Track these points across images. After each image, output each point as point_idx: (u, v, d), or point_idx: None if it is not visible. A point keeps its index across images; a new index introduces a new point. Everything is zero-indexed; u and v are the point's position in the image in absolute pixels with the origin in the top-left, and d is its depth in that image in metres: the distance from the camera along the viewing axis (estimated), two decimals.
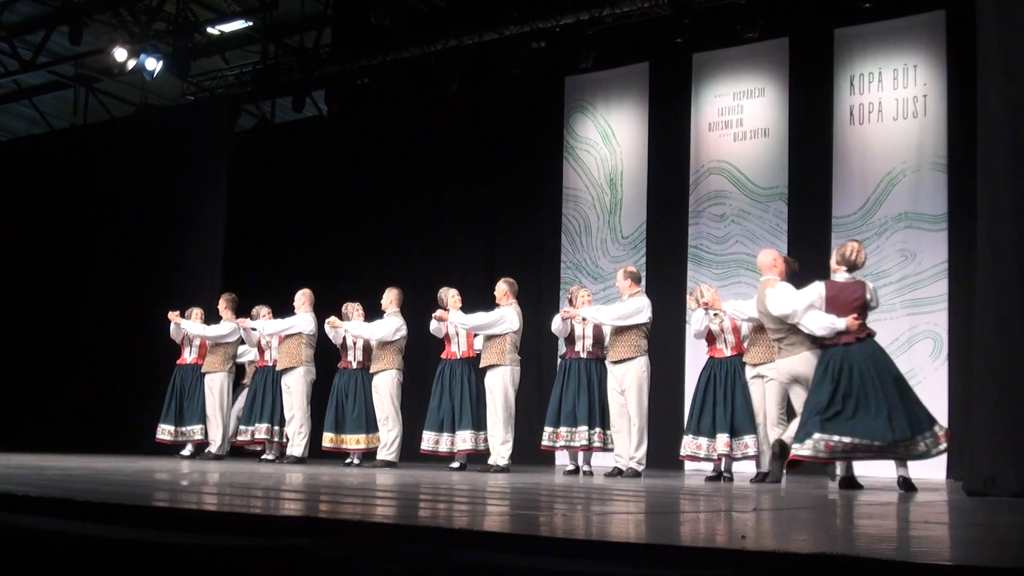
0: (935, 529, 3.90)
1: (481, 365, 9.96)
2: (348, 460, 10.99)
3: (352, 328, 10.89)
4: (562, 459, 11.00)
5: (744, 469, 9.33)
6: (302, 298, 11.43)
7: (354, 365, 11.08)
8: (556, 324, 9.97)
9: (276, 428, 11.52)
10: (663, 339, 10.81)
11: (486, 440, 10.00)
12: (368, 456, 10.88)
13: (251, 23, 15.47)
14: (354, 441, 10.93)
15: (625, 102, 13.10)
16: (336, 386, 11.11)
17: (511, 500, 4.84)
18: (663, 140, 12.76)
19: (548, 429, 9.87)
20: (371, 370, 10.80)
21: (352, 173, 15.01)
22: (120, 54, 14.08)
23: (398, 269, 14.43)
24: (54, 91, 18.09)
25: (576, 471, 9.85)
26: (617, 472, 9.26)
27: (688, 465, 10.32)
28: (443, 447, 10.23)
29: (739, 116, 12.25)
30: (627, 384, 9.28)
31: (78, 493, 4.09)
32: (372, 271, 14.65)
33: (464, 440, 10.11)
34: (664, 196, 12.65)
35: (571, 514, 4.08)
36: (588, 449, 9.77)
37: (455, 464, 10.16)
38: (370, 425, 10.84)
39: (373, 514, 3.64)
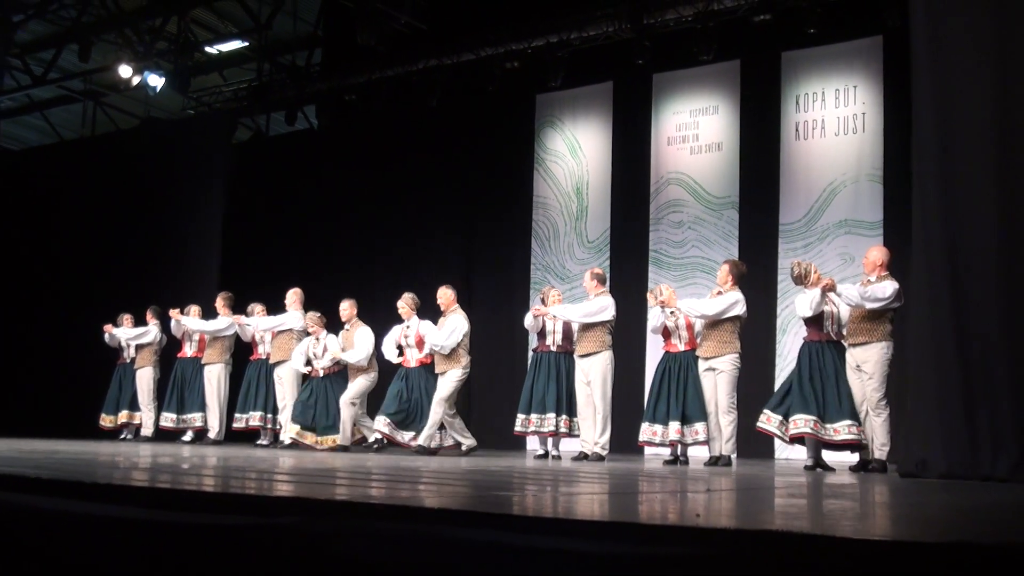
0: (873, 507, 3.93)
1: (436, 370, 9.98)
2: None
3: (330, 351, 10.82)
4: (532, 444, 11.01)
5: (699, 453, 9.36)
6: (293, 296, 11.41)
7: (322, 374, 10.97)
8: (528, 320, 9.98)
9: (269, 416, 11.49)
10: (626, 335, 10.82)
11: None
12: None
13: (247, 43, 15.44)
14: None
15: (591, 118, 13.12)
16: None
17: (485, 481, 4.84)
18: (626, 153, 12.79)
19: (520, 416, 9.86)
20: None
21: (340, 182, 14.97)
22: (125, 71, 14.03)
23: (380, 269, 14.44)
24: (64, 105, 18.00)
25: (545, 455, 9.85)
26: (583, 456, 9.27)
27: (647, 450, 10.34)
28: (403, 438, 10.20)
29: (695, 131, 12.28)
30: (592, 376, 9.30)
31: (85, 475, 4.07)
32: (357, 271, 14.64)
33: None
34: (626, 204, 12.68)
35: (540, 494, 4.08)
36: (556, 435, 9.77)
37: (376, 445, 10.28)
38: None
39: (359, 495, 3.63)
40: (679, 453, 9.04)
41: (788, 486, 5.42)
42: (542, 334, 9.92)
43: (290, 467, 5.97)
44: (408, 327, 10.42)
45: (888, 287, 7.85)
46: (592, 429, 9.30)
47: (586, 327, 9.42)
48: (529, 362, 10.39)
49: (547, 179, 13.40)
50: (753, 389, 10.38)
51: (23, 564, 3.23)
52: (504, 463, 7.75)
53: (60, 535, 3.20)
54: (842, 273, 10.54)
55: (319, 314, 11.04)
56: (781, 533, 2.38)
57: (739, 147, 11.96)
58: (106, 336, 12.93)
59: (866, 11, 10.90)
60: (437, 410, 9.80)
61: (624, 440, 10.25)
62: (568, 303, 10.38)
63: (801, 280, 8.39)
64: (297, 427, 10.76)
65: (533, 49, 12.64)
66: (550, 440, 9.92)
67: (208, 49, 15.56)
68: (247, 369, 11.83)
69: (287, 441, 10.81)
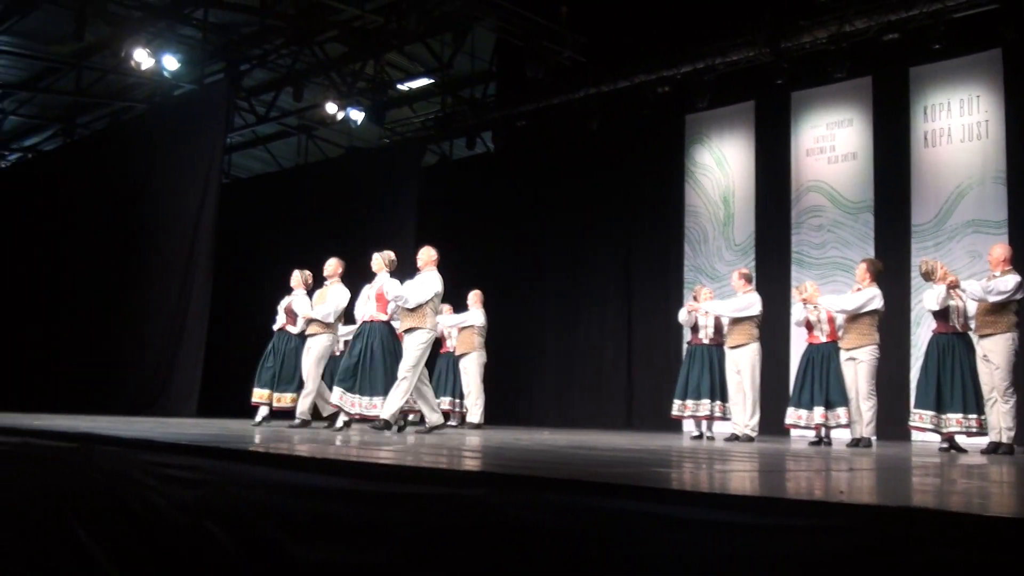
0: (1002, 487, 3.74)
1: (401, 327, 8.28)
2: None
3: (300, 312, 9.40)
4: (688, 426, 10.90)
5: (841, 436, 9.09)
6: (474, 297, 11.60)
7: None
8: (682, 316, 9.92)
9: (457, 400, 11.70)
10: (771, 328, 10.59)
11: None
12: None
13: (432, 80, 15.75)
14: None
15: (735, 134, 12.91)
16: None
17: (646, 459, 4.80)
18: (768, 164, 12.54)
19: (677, 402, 9.83)
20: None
21: (515, 197, 15.14)
22: (331, 108, 14.49)
23: (550, 274, 14.53)
24: (282, 138, 18.71)
25: (700, 436, 9.76)
26: (734, 437, 9.15)
27: (793, 432, 10.10)
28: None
29: (831, 143, 11.94)
30: (743, 365, 9.19)
31: (317, 451, 4.21)
32: (530, 274, 14.78)
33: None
34: (769, 210, 12.43)
35: (696, 471, 4.03)
36: (710, 418, 9.69)
37: (339, 423, 8.44)
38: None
39: (532, 469, 3.66)
40: (823, 435, 8.81)
41: (924, 466, 5.21)
42: (695, 328, 9.85)
43: (476, 445, 6.05)
44: (375, 282, 8.58)
45: (1010, 280, 7.47)
46: (743, 413, 9.19)
47: (735, 321, 9.31)
48: (684, 353, 10.30)
49: (696, 190, 13.24)
50: (890, 377, 10.04)
51: (242, 522, 3.37)
52: (662, 443, 7.68)
53: (284, 500, 3.33)
54: (970, 269, 10.08)
55: (306, 272, 9.72)
56: (918, 509, 2.30)
57: (872, 156, 11.59)
58: None
59: (986, 27, 10.41)
60: (404, 380, 7.86)
61: (772, 423, 10.04)
62: (718, 300, 10.23)
63: (929, 276, 8.07)
64: (259, 391, 9.34)
65: (682, 75, 12.52)
66: (704, 423, 9.83)
67: (400, 86, 15.94)
68: (437, 360, 12.07)
69: (261, 415, 9.35)
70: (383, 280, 8.36)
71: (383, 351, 8.13)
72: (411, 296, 8.03)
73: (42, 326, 14.85)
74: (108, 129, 17.27)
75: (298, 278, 9.59)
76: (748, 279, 9.51)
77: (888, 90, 11.55)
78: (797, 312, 9.12)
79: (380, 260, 8.56)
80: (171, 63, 13.47)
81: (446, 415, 11.87)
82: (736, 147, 12.90)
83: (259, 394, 9.28)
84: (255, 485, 3.48)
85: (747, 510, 2.38)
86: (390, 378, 7.96)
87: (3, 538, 4.48)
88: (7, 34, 14.61)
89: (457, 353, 11.54)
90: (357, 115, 14.71)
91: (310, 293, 9.55)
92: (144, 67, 12.73)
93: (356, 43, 14.09)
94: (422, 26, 12.12)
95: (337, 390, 8.11)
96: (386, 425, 7.79)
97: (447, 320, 11.73)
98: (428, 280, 8.15)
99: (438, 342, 12.11)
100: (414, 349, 7.92)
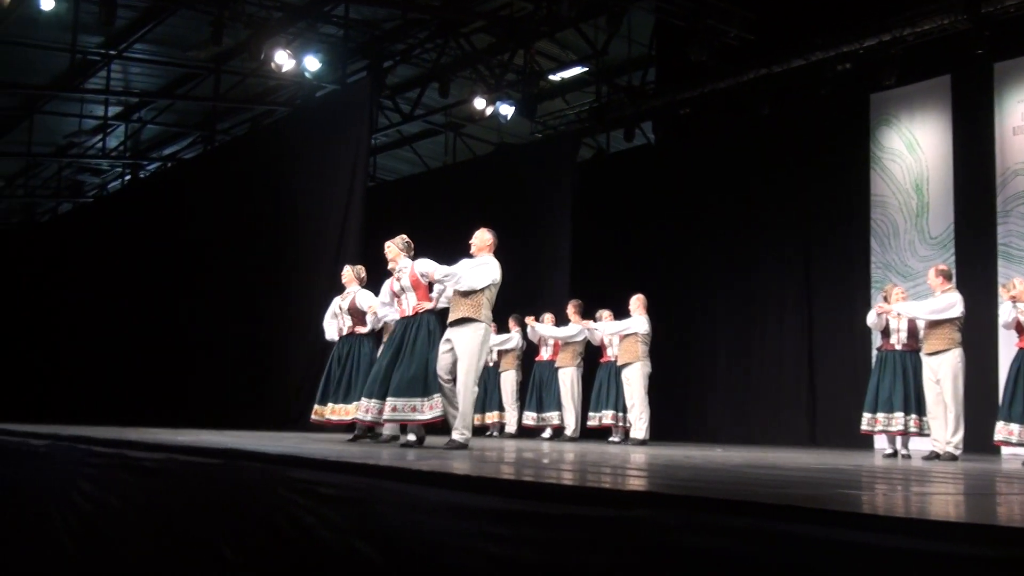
0: None
1: (451, 317, 7.41)
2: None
3: (367, 307, 8.93)
4: (880, 443, 10.55)
5: None
6: (636, 302, 11.47)
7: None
8: (871, 319, 9.61)
9: (620, 414, 11.66)
10: (976, 331, 10.14)
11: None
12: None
13: (586, 68, 15.81)
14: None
15: (929, 113, 12.43)
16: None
17: (833, 479, 4.65)
18: (967, 146, 12.02)
19: (866, 415, 9.52)
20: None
21: (678, 192, 15.03)
22: (480, 103, 14.70)
23: (719, 275, 14.32)
24: (428, 137, 19.11)
25: (894, 454, 9.43)
26: (935, 456, 8.79)
27: (1004, 450, 9.63)
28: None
29: None
30: (942, 374, 8.81)
31: (459, 468, 4.25)
32: (697, 276, 14.61)
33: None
34: (970, 198, 11.91)
35: (891, 493, 3.88)
36: (905, 434, 9.35)
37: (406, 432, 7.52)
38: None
39: (701, 489, 3.59)
40: None
41: None
42: (886, 332, 9.53)
43: (641, 462, 5.99)
44: (401, 270, 7.70)
45: None
46: (943, 428, 8.80)
47: (933, 324, 8.94)
48: (873, 361, 9.98)
49: (884, 177, 12.82)
50: None
51: (389, 542, 3.43)
52: (852, 461, 7.46)
53: (438, 520, 3.37)
54: None
55: (358, 267, 9.35)
56: None
57: None
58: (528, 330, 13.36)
59: None
60: (467, 391, 7.10)
61: (978, 439, 9.60)
62: (913, 301, 9.87)
63: None
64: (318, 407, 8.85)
65: (864, 49, 12.16)
66: (898, 439, 9.50)
67: (551, 77, 16.04)
68: (598, 371, 12.07)
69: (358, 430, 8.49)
70: (411, 264, 7.63)
71: (429, 344, 7.22)
72: (465, 276, 7.23)
73: (185, 338, 15.55)
74: (249, 134, 17.99)
75: (350, 273, 9.19)
76: (947, 276, 9.13)
77: None
78: (1005, 312, 8.70)
79: (394, 247, 7.86)
80: (312, 63, 13.92)
81: (608, 429, 11.89)
82: (930, 128, 12.42)
83: (320, 410, 8.77)
84: (409, 504, 3.54)
85: (952, 538, 2.27)
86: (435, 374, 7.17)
87: (149, 555, 4.70)
88: (143, 41, 15.41)
89: (619, 363, 11.48)
90: (507, 109, 14.88)
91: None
92: (285, 69, 13.19)
93: (504, 32, 14.26)
94: (574, 11, 12.15)
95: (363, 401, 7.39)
96: (463, 445, 7.02)
97: (608, 327, 11.70)
98: (487, 264, 7.39)
99: (598, 351, 12.12)
100: (471, 348, 7.16)
